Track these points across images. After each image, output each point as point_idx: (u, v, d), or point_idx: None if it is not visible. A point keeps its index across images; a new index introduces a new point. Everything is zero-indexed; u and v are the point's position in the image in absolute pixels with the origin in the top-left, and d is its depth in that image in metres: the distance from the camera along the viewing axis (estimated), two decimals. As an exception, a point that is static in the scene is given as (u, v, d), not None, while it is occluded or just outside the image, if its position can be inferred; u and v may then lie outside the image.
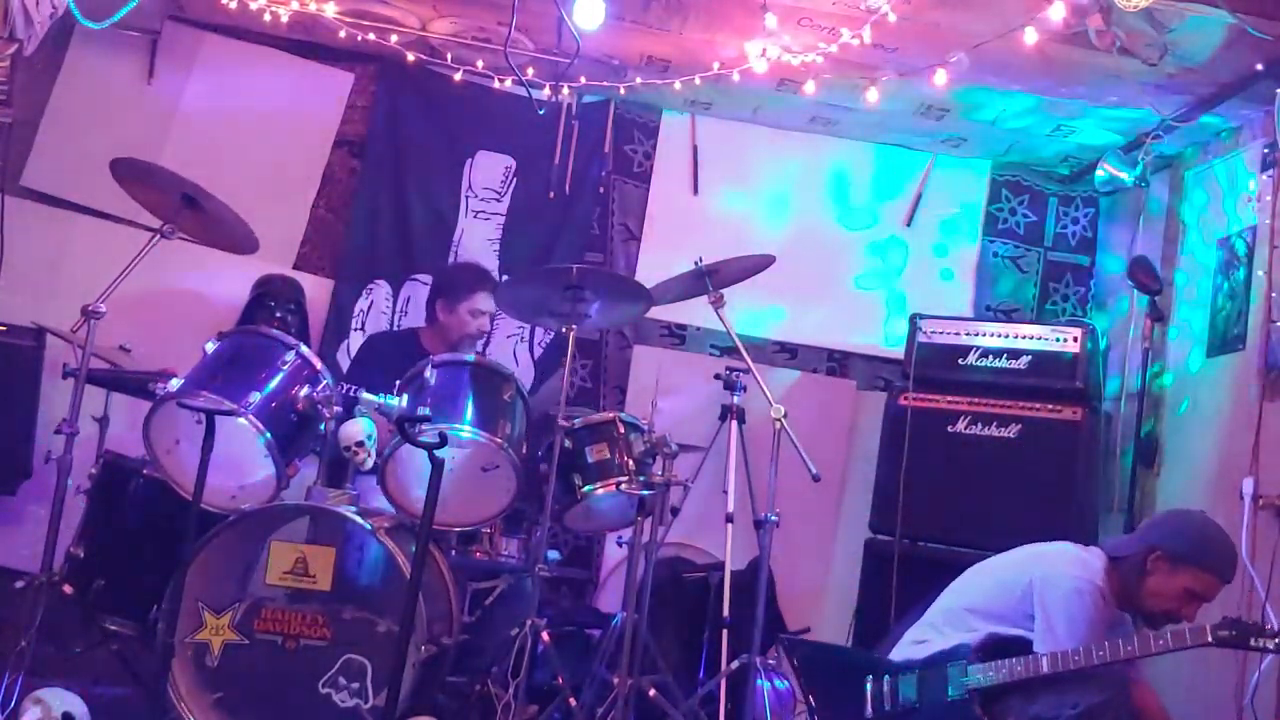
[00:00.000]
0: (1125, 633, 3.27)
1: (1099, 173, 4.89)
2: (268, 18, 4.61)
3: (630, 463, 3.80)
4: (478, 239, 5.32)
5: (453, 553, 3.86)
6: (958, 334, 4.81)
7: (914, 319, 4.90)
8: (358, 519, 3.48)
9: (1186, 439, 4.57)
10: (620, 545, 4.13)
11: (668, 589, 4.47)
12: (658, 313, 4.85)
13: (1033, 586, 3.25)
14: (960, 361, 4.76)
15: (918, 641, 3.38)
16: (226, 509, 3.52)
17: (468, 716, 3.75)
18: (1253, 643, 2.95)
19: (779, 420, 3.87)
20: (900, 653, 3.40)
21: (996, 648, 3.19)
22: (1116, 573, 3.30)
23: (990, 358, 4.73)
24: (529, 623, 3.55)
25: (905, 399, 4.75)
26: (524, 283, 4.27)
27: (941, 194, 5.55)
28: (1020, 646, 3.17)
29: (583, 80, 4.83)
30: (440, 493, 3.00)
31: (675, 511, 4.33)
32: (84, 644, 3.77)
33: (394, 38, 4.78)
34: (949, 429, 4.69)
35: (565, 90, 4.94)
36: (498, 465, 3.62)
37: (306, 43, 5.15)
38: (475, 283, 4.53)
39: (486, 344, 5.18)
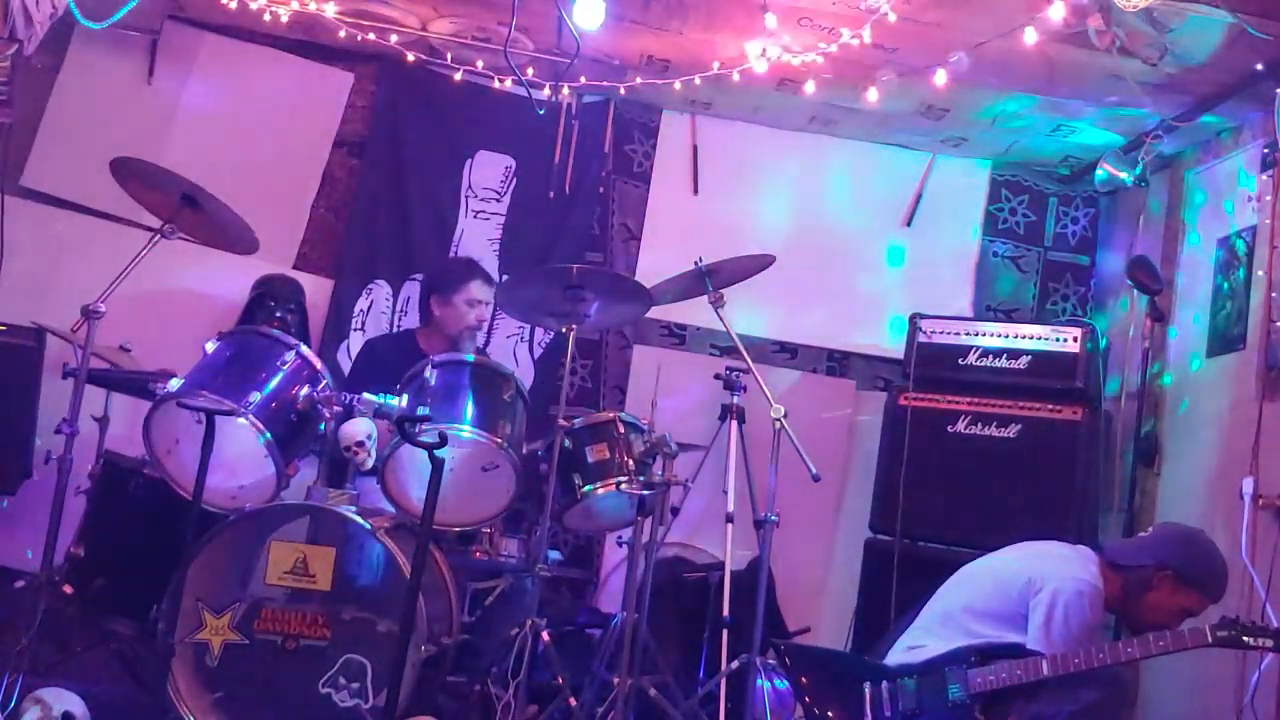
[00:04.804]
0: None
1: (1099, 173, 4.89)
2: (268, 18, 4.61)
3: (630, 463, 3.80)
4: (478, 239, 5.32)
5: (453, 553, 3.86)
6: (958, 334, 4.81)
7: (914, 319, 4.90)
8: (358, 519, 3.48)
9: (1186, 439, 4.57)
10: (620, 545, 4.13)
11: (668, 589, 4.47)
12: (658, 313, 4.84)
13: (1030, 586, 3.26)
14: (960, 361, 4.76)
15: (913, 646, 3.37)
16: (226, 509, 3.52)
17: (468, 716, 3.75)
18: (1250, 642, 2.96)
19: (779, 420, 3.88)
20: (896, 658, 3.39)
21: (993, 654, 3.18)
22: (1116, 578, 3.31)
23: (990, 358, 4.73)
24: (529, 623, 3.55)
25: (905, 399, 4.75)
26: (524, 283, 4.27)
27: (941, 194, 5.54)
28: (1015, 654, 3.16)
29: (583, 80, 4.83)
30: (440, 493, 3.00)
31: (675, 511, 4.33)
32: (84, 644, 3.77)
33: (394, 38, 4.78)
34: (949, 429, 4.68)
35: (565, 90, 4.94)
36: (497, 465, 3.62)
37: (306, 43, 5.15)
38: (467, 273, 4.52)
39: (486, 344, 5.18)
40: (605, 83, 4.94)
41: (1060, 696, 3.09)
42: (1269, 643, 2.96)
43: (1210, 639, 2.97)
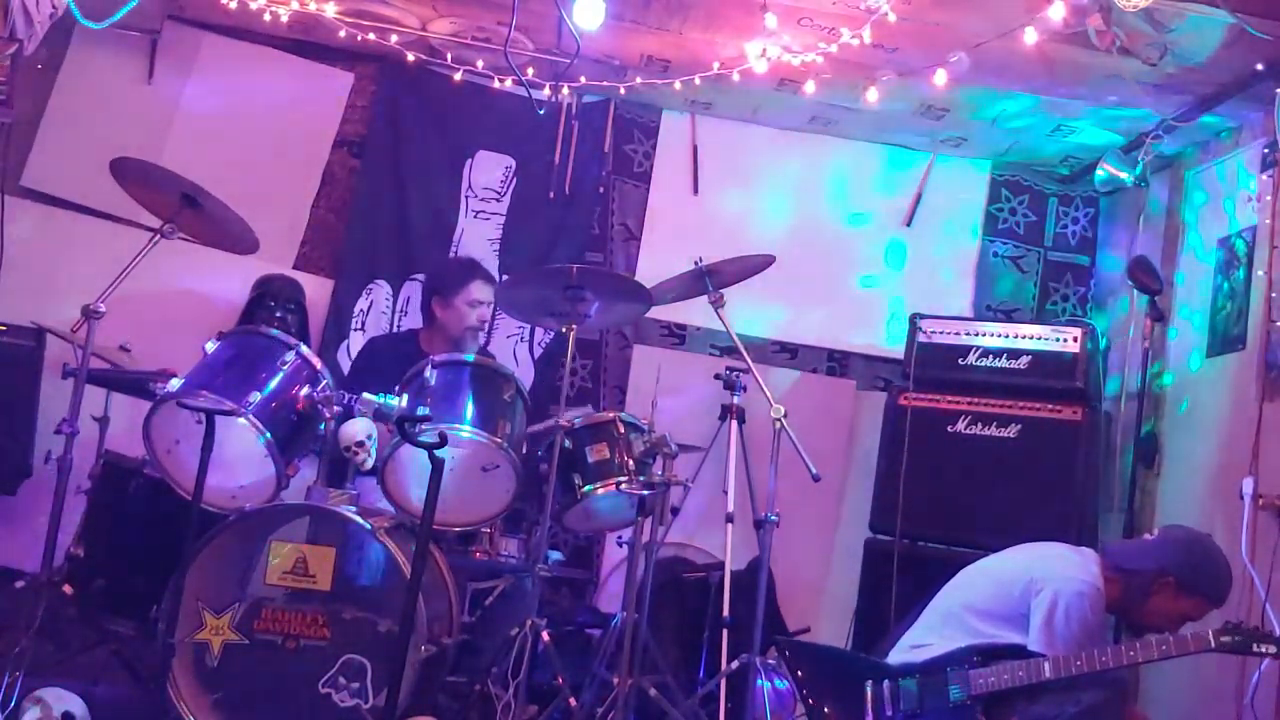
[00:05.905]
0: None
1: (1099, 173, 4.89)
2: (268, 18, 4.61)
3: (630, 463, 3.80)
4: (478, 239, 5.32)
5: (453, 553, 3.85)
6: (958, 334, 4.81)
7: (914, 319, 4.90)
8: (358, 519, 3.48)
9: (1186, 439, 4.57)
10: (620, 545, 4.13)
11: (668, 589, 4.47)
12: (658, 313, 4.85)
13: (1032, 586, 3.26)
14: (960, 361, 4.76)
15: (916, 645, 3.38)
16: (226, 509, 3.52)
17: (468, 716, 3.75)
18: (1254, 648, 2.95)
19: (779, 420, 3.87)
20: (898, 657, 3.39)
21: (995, 654, 3.18)
22: (1117, 581, 3.30)
23: (990, 358, 4.73)
24: (529, 623, 3.55)
25: (905, 399, 4.75)
26: (524, 283, 4.27)
27: (941, 194, 5.55)
28: (1017, 655, 3.16)
29: (583, 80, 4.82)
30: (440, 493, 2.99)
31: (675, 511, 4.33)
32: (84, 644, 3.77)
33: (394, 38, 4.78)
34: (949, 429, 4.68)
35: (565, 90, 4.94)
36: (498, 465, 3.62)
37: (306, 43, 5.15)
38: (468, 274, 4.51)
39: (487, 344, 5.18)
40: (605, 83, 4.94)
41: (1063, 696, 3.09)
42: (1272, 649, 2.94)
43: (1213, 644, 2.96)
